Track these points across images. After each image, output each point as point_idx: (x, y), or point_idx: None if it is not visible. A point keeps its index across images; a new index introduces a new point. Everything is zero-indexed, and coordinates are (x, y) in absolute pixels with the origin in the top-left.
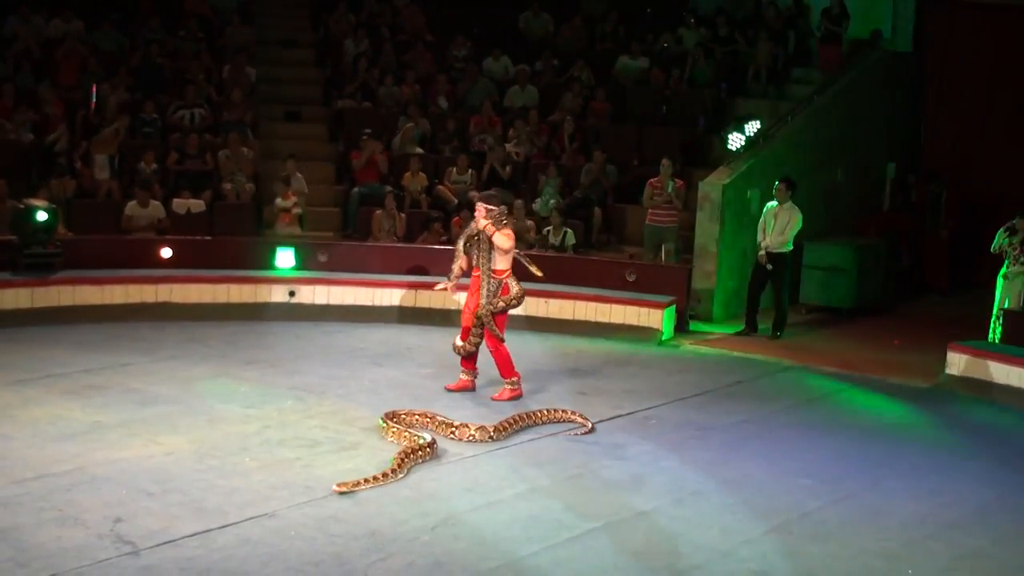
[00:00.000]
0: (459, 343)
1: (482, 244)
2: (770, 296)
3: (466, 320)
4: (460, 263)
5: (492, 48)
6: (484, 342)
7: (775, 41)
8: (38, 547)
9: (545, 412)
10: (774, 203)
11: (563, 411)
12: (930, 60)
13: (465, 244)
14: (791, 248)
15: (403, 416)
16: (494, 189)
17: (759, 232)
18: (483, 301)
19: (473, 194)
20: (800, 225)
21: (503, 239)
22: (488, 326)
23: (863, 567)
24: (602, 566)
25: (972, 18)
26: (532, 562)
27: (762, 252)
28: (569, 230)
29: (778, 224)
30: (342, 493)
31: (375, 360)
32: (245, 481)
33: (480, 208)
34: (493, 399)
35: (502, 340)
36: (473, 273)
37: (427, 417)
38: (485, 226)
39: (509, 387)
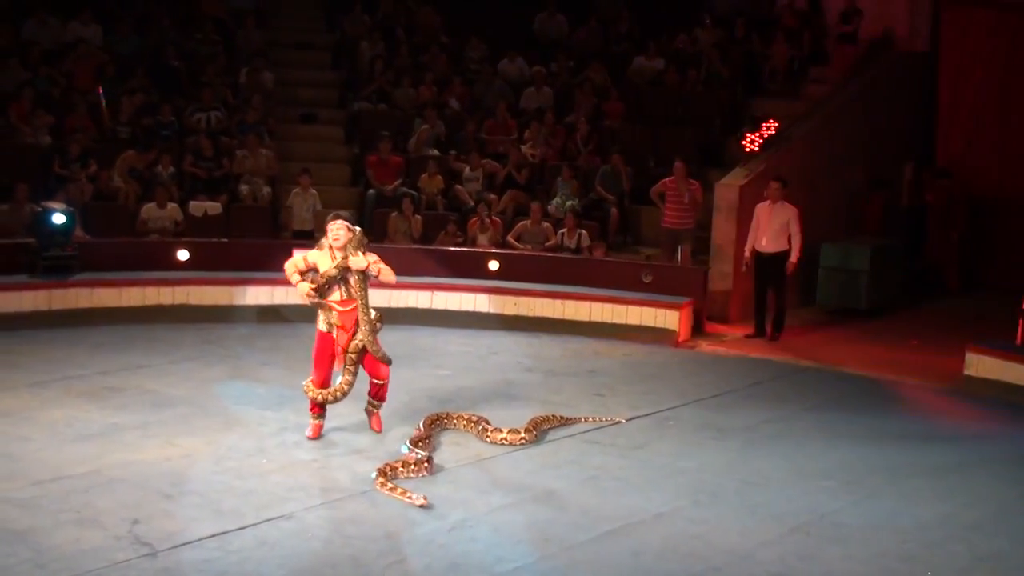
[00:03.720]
0: (330, 392)
1: (355, 273)
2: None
3: (332, 364)
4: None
5: (507, 50)
6: (371, 372)
7: (791, 41)
8: (56, 548)
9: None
10: (766, 202)
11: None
12: (946, 60)
13: (328, 281)
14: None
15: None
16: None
17: (751, 234)
18: (365, 332)
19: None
20: (800, 220)
21: (389, 273)
22: (378, 354)
23: (882, 569)
24: (620, 569)
25: (988, 18)
26: (549, 564)
27: (746, 255)
28: (584, 231)
29: (774, 224)
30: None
31: None
32: (262, 483)
33: (342, 226)
34: (379, 431)
35: (390, 362)
36: (342, 307)
37: (464, 419)
38: (369, 265)
39: (379, 413)
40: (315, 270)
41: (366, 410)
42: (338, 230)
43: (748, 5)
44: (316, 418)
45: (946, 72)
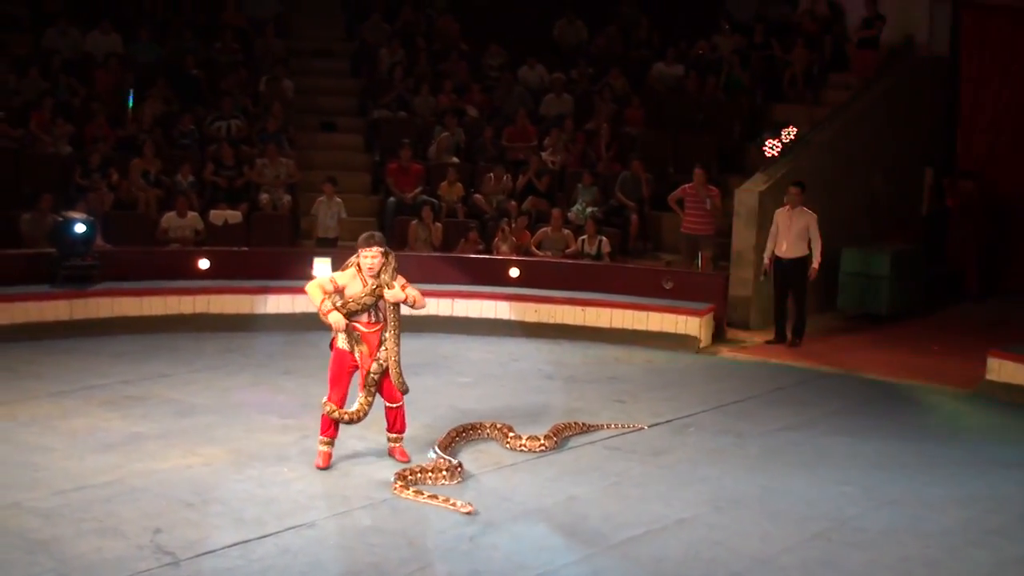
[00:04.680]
0: (351, 413)
1: (390, 304)
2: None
3: (350, 381)
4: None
5: (527, 57)
6: (387, 395)
7: (811, 47)
8: (78, 558)
9: (592, 423)
10: (785, 208)
11: (615, 423)
12: (966, 65)
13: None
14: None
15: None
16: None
17: (770, 240)
18: (392, 359)
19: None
20: (819, 225)
21: (421, 299)
22: (398, 380)
23: (905, 574)
24: (642, 575)
25: (1007, 23)
26: (571, 571)
27: (766, 262)
28: (604, 238)
29: (794, 229)
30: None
31: (412, 369)
32: (284, 491)
33: (377, 254)
34: (400, 459)
35: (407, 391)
36: (367, 329)
37: (489, 426)
38: (407, 297)
39: (402, 444)
40: (340, 292)
41: (389, 450)
42: (373, 258)
43: (768, 11)
44: (327, 445)
45: (966, 77)
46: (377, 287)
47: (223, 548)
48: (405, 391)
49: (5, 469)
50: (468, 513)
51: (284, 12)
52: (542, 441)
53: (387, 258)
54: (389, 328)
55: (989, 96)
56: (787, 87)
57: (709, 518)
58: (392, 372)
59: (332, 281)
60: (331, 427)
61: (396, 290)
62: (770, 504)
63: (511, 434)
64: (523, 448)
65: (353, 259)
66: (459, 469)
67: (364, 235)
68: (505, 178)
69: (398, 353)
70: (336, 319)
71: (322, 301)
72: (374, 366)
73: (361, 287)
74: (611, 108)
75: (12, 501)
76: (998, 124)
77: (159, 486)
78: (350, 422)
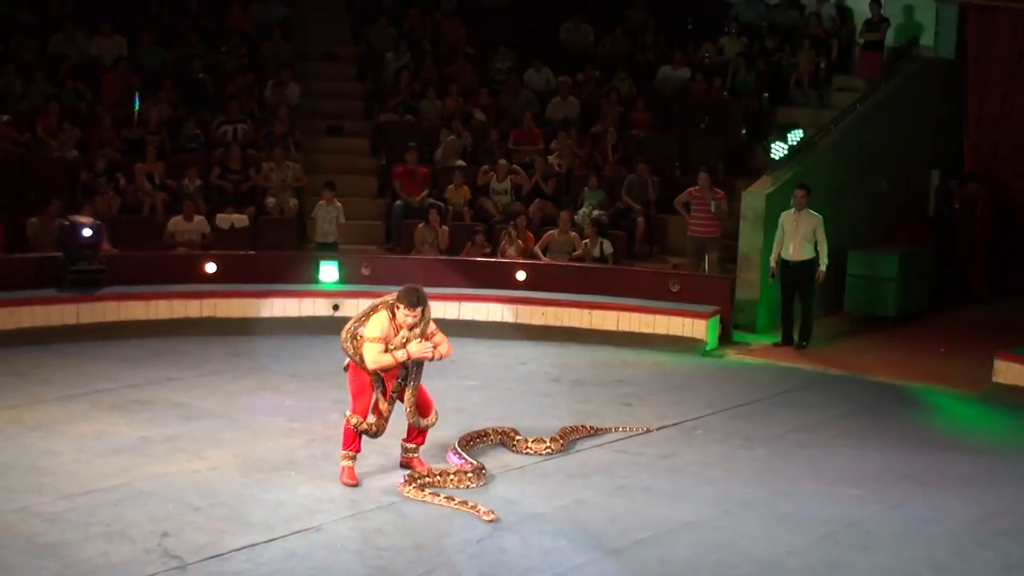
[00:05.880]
0: (373, 423)
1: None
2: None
3: (372, 390)
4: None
5: (533, 60)
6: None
7: (817, 49)
8: (86, 562)
9: (598, 426)
10: (791, 210)
11: (623, 426)
12: (972, 67)
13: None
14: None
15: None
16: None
17: (776, 243)
18: (409, 409)
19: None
20: (825, 228)
21: (448, 347)
22: (418, 424)
23: None
24: None
25: (1014, 24)
26: (578, 574)
27: (772, 265)
28: (605, 240)
29: (800, 232)
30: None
31: None
32: (291, 495)
33: (418, 314)
34: (419, 469)
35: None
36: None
37: (493, 430)
38: (434, 355)
39: (419, 456)
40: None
41: (403, 460)
42: (415, 318)
43: (776, 15)
44: (350, 460)
45: (972, 78)
46: (407, 340)
47: (230, 552)
48: (419, 428)
49: (12, 473)
50: (491, 520)
51: (290, 16)
52: (548, 444)
53: (424, 315)
54: (410, 376)
55: (996, 98)
56: (793, 90)
57: (716, 521)
58: (408, 413)
59: (380, 340)
60: (355, 441)
61: (424, 347)
62: (777, 507)
63: (517, 437)
64: (529, 451)
65: (384, 301)
66: (482, 471)
67: (407, 289)
68: (515, 171)
69: (415, 397)
70: (417, 347)
71: (394, 358)
72: (395, 384)
73: (395, 334)
74: (617, 111)
75: (19, 505)
76: (1005, 126)
77: (166, 490)
78: (375, 435)
